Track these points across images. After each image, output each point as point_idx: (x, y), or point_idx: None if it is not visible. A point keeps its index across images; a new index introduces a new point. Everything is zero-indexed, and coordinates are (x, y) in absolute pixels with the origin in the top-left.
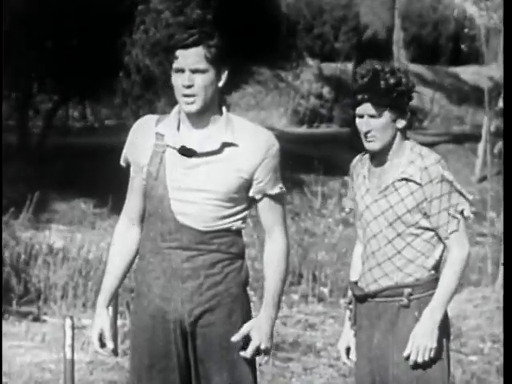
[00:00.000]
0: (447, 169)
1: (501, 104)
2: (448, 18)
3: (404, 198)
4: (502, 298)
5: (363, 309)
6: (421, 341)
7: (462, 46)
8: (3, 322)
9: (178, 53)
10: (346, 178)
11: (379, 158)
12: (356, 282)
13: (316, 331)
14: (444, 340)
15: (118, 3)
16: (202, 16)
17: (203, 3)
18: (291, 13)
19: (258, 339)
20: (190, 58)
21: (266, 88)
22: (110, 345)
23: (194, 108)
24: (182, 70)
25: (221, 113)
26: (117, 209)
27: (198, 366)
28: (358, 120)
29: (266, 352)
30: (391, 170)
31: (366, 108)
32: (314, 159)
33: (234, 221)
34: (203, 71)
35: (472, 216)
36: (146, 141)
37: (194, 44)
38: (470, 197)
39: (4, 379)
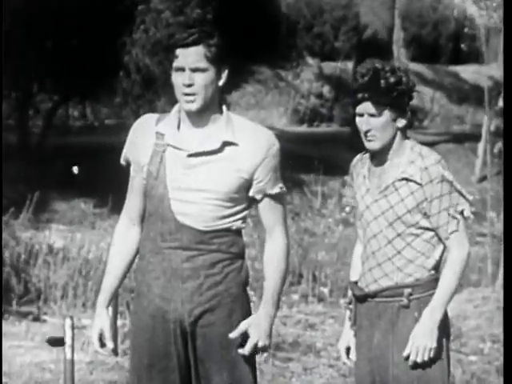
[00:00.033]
0: (447, 169)
1: (501, 103)
2: (448, 17)
3: (404, 198)
4: (501, 298)
5: (363, 309)
6: (420, 341)
7: (462, 46)
8: (3, 322)
9: (178, 52)
10: (345, 177)
11: (379, 157)
12: (356, 282)
13: (316, 331)
14: (444, 340)
15: (117, 3)
16: (202, 15)
17: (203, 3)
18: (291, 12)
19: (256, 336)
20: (190, 57)
21: (266, 87)
22: (109, 345)
23: (194, 107)
24: (182, 69)
25: (221, 112)
26: (117, 209)
27: (198, 365)
28: (358, 119)
29: (264, 349)
30: (391, 170)
31: (366, 107)
32: (314, 159)
33: (234, 221)
34: (203, 70)
35: (472, 216)
36: (146, 140)
37: (194, 43)
38: (470, 197)
39: (4, 379)
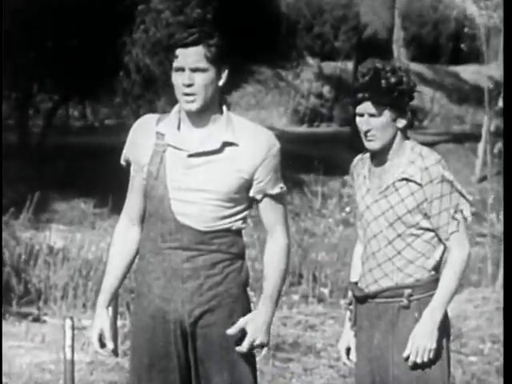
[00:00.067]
0: (447, 169)
1: (501, 104)
2: (448, 17)
3: (404, 198)
4: (502, 299)
5: (363, 309)
6: (420, 341)
7: (462, 46)
8: (3, 323)
9: (178, 52)
10: (345, 177)
11: (379, 157)
12: (356, 283)
13: (316, 332)
14: (444, 340)
15: (117, 3)
16: (202, 15)
17: (203, 3)
18: (291, 12)
19: (254, 333)
20: (190, 57)
21: (266, 87)
22: (110, 345)
23: (194, 107)
24: (182, 69)
25: (221, 112)
26: (117, 209)
27: (198, 366)
28: (358, 119)
29: (262, 347)
30: (391, 170)
31: (367, 107)
32: (314, 159)
33: (234, 221)
34: (203, 70)
35: (472, 217)
36: (146, 140)
37: (194, 43)
38: (471, 197)
39: (4, 379)
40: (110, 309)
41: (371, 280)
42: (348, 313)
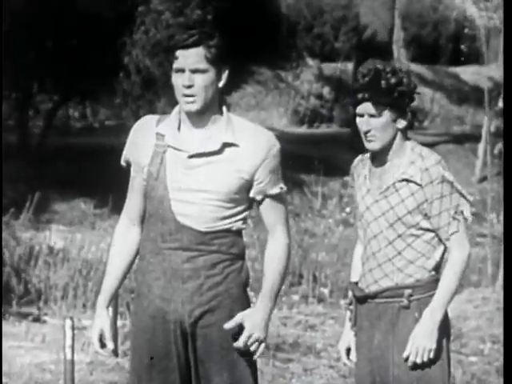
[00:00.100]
0: (448, 169)
1: (501, 104)
2: (448, 18)
3: (404, 198)
4: (502, 299)
5: (363, 309)
6: (420, 342)
7: (462, 46)
8: (3, 323)
9: (178, 53)
10: (346, 178)
11: (380, 158)
12: (356, 283)
13: (316, 332)
14: (444, 341)
15: (118, 4)
16: (202, 16)
17: (203, 4)
18: (291, 13)
19: (251, 328)
20: (190, 58)
21: (266, 88)
22: (110, 345)
23: (194, 107)
24: (182, 70)
25: (221, 113)
26: (117, 209)
27: (198, 366)
28: (358, 119)
29: (259, 343)
30: (392, 171)
31: (367, 107)
32: (314, 159)
33: (234, 221)
34: (203, 71)
35: (472, 217)
36: (146, 141)
37: (194, 44)
38: (471, 198)
39: (4, 380)
40: (110, 309)
41: (371, 280)
42: (348, 313)
